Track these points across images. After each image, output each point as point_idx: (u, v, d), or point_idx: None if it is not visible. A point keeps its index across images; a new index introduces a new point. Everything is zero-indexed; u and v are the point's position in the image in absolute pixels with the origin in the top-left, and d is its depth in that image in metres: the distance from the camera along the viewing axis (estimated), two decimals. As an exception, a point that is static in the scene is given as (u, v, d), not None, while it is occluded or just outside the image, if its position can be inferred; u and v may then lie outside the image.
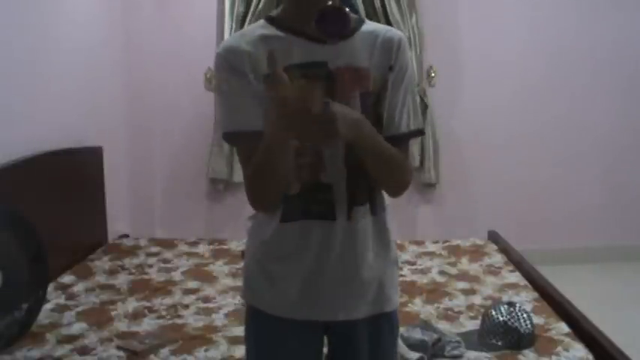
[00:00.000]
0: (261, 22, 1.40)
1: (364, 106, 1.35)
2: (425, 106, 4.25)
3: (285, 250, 1.40)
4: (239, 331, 2.50)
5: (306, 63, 1.32)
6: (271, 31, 1.36)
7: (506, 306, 2.39)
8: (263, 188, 1.33)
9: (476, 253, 3.47)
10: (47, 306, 2.67)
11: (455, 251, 3.50)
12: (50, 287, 2.79)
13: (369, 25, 1.42)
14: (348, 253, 1.39)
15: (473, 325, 2.51)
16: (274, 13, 1.41)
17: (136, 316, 2.66)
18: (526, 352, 2.27)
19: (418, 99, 1.49)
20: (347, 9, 1.31)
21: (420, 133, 1.47)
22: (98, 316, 2.63)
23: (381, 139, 1.34)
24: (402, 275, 3.13)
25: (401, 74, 1.40)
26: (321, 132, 1.15)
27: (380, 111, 1.39)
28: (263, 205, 1.38)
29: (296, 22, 1.35)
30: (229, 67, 1.34)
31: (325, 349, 1.54)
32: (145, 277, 3.14)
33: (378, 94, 1.38)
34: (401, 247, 3.55)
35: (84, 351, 2.33)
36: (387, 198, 1.47)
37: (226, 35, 4.10)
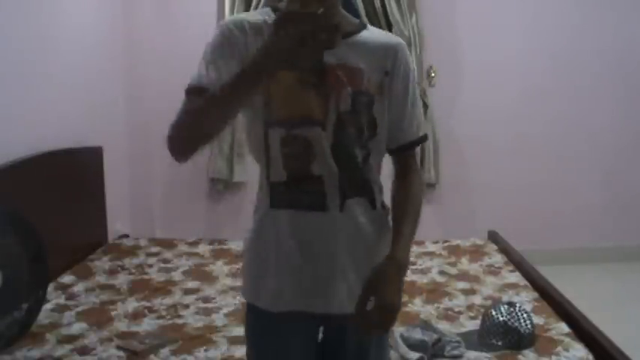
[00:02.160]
0: (267, 9, 1.41)
1: (356, 104, 1.37)
2: (425, 106, 4.24)
3: (275, 238, 1.41)
4: (239, 331, 2.51)
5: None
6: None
7: (506, 306, 2.39)
8: (200, 127, 1.28)
9: (476, 253, 3.47)
10: (47, 306, 2.67)
11: (455, 251, 3.50)
12: (50, 287, 2.79)
13: (370, 31, 1.45)
14: (341, 245, 1.40)
15: (473, 325, 2.51)
16: (280, 4, 1.42)
17: (136, 316, 2.66)
18: (526, 352, 2.27)
19: (421, 103, 1.51)
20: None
21: (425, 139, 1.52)
22: (98, 316, 2.63)
23: (412, 228, 1.40)
24: (402, 275, 3.14)
25: (403, 81, 1.42)
26: (325, 41, 1.10)
27: (375, 114, 1.40)
28: (184, 145, 1.32)
29: None
30: (228, 33, 1.34)
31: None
32: (145, 277, 3.14)
33: (373, 97, 1.39)
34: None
35: (84, 351, 2.33)
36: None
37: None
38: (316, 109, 1.34)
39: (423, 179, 1.53)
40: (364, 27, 1.44)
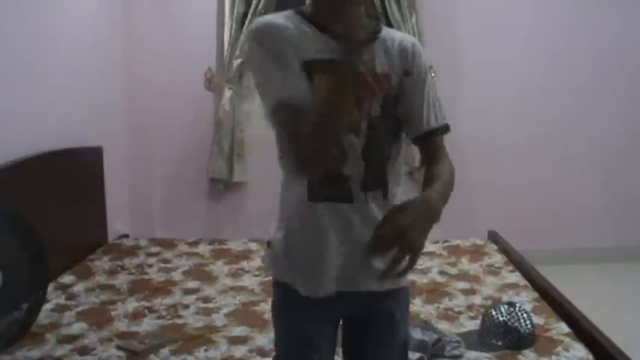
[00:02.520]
0: (289, 12, 1.44)
1: (385, 108, 1.44)
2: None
3: (316, 227, 1.46)
4: (239, 331, 2.51)
5: (343, 61, 1.31)
6: (306, 25, 1.41)
7: (506, 306, 2.39)
8: (317, 160, 1.35)
9: (476, 253, 3.47)
10: (47, 306, 2.67)
11: (455, 251, 3.50)
12: (50, 287, 2.79)
13: (387, 32, 1.51)
14: (365, 232, 1.44)
15: (473, 325, 2.51)
16: (304, 7, 1.46)
17: (136, 316, 2.66)
18: (526, 352, 2.27)
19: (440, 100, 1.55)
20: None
21: (448, 127, 1.56)
22: (98, 316, 2.63)
23: (443, 187, 1.44)
24: (402, 275, 3.14)
25: (420, 79, 1.50)
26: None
27: (396, 113, 1.47)
28: (312, 171, 1.40)
29: (326, 20, 1.40)
30: (272, 39, 1.37)
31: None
32: (145, 277, 3.14)
33: (397, 97, 1.47)
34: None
35: (84, 351, 2.33)
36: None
37: (226, 35, 4.10)
38: (352, 115, 1.39)
39: (452, 166, 1.54)
40: (381, 28, 1.50)
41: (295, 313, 1.53)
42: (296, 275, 1.50)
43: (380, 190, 1.49)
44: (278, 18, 1.42)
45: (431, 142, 1.54)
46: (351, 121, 1.38)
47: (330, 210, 1.45)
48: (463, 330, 2.47)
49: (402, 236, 1.30)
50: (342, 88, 1.31)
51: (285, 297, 1.55)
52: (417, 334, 2.30)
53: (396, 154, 1.53)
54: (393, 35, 1.51)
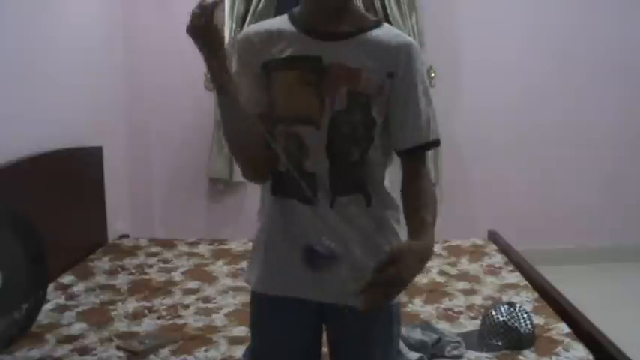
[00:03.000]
0: (285, 16, 1.48)
1: (352, 104, 1.38)
2: (425, 106, 4.24)
3: (275, 224, 1.46)
4: (239, 331, 2.51)
5: (302, 56, 1.39)
6: (287, 26, 1.44)
7: (506, 306, 2.39)
8: (235, 154, 1.45)
9: (476, 253, 3.47)
10: (47, 306, 2.67)
11: (455, 251, 3.50)
12: (50, 287, 2.79)
13: (382, 29, 1.44)
14: (335, 239, 1.40)
15: (473, 325, 2.51)
16: (295, 9, 1.48)
17: (136, 316, 2.66)
18: (526, 352, 2.27)
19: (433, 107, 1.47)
20: (333, 253, 1.36)
21: (437, 143, 1.48)
22: (98, 316, 2.63)
23: (431, 228, 1.35)
24: (402, 275, 3.13)
25: (408, 83, 1.41)
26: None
27: (373, 114, 1.40)
28: (245, 173, 1.46)
29: (308, 20, 1.43)
30: (242, 51, 1.46)
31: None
32: (145, 277, 3.14)
33: (371, 97, 1.39)
34: (401, 247, 3.54)
35: (84, 351, 2.33)
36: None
37: (226, 35, 4.09)
38: (312, 108, 1.38)
39: (433, 186, 1.49)
40: (377, 25, 1.44)
41: (262, 314, 1.53)
42: (253, 271, 1.51)
43: (360, 196, 1.43)
44: (263, 25, 1.48)
45: (417, 157, 1.46)
46: (311, 113, 1.37)
47: (293, 209, 1.42)
48: (463, 330, 2.47)
49: (399, 285, 1.25)
50: (301, 83, 1.35)
51: (252, 296, 1.55)
52: (417, 334, 2.30)
53: (377, 159, 1.44)
54: (388, 34, 1.43)
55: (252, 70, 1.42)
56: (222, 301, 2.83)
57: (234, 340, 2.42)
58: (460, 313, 2.67)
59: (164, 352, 2.33)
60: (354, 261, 1.42)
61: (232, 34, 4.08)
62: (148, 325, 2.58)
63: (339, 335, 1.52)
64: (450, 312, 2.68)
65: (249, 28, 1.50)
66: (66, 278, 3.03)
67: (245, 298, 2.85)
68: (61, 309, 2.70)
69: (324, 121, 1.38)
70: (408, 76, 1.41)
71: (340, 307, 1.43)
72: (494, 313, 2.37)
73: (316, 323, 1.53)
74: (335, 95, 1.37)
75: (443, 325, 2.50)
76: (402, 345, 2.24)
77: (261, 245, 1.50)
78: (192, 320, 2.62)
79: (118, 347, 2.35)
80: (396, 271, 1.20)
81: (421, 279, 3.08)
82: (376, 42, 1.41)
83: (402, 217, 1.47)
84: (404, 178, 1.47)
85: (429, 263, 3.26)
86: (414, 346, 2.24)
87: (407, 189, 1.45)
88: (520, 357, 2.24)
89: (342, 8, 1.41)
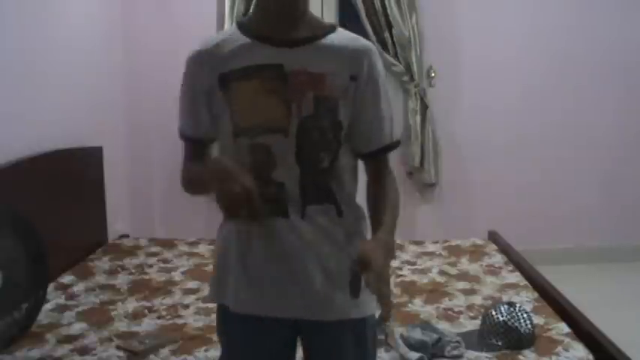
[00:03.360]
0: (232, 27, 1.45)
1: (319, 109, 1.36)
2: (425, 106, 4.25)
3: (237, 242, 1.43)
4: (239, 331, 2.50)
5: (264, 65, 1.36)
6: (239, 36, 1.40)
7: (506, 306, 2.39)
8: (196, 194, 1.53)
9: (476, 253, 3.47)
10: (47, 306, 2.67)
11: (455, 251, 3.50)
12: (50, 287, 2.79)
13: (339, 34, 1.42)
14: (302, 253, 1.39)
15: (473, 325, 2.51)
16: (244, 18, 1.46)
17: (136, 316, 2.66)
18: (526, 352, 2.27)
19: (391, 109, 1.47)
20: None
21: (397, 145, 1.49)
22: (98, 316, 2.63)
23: (393, 219, 1.38)
24: (401, 275, 3.14)
25: (370, 86, 1.40)
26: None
27: (340, 118, 1.38)
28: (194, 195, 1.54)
29: (262, 28, 1.39)
30: (190, 71, 1.44)
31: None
32: (145, 277, 3.14)
33: (338, 101, 1.37)
34: (401, 247, 3.55)
35: (84, 351, 2.33)
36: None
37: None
38: (278, 116, 1.35)
39: (397, 184, 1.48)
40: (333, 30, 1.42)
41: (228, 327, 1.52)
42: (222, 288, 1.49)
43: (330, 205, 1.41)
44: (212, 40, 1.43)
45: (380, 160, 1.46)
46: (277, 120, 1.35)
47: (266, 223, 1.38)
48: (463, 330, 2.47)
49: (380, 280, 1.21)
50: (264, 91, 1.33)
51: (218, 308, 1.55)
52: (417, 334, 2.30)
53: (346, 164, 1.43)
54: (345, 38, 1.42)
55: (202, 89, 1.41)
56: (222, 301, 2.83)
57: (234, 340, 2.41)
58: (460, 313, 2.67)
59: (164, 352, 2.33)
60: (329, 273, 1.40)
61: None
62: (148, 325, 2.58)
63: (313, 349, 1.50)
64: (450, 312, 2.68)
65: (198, 46, 1.43)
66: (66, 278, 3.04)
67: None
68: (61, 309, 2.70)
69: (292, 127, 1.35)
70: (371, 80, 1.40)
71: (313, 323, 1.42)
72: (494, 313, 2.37)
73: (290, 337, 1.50)
74: (301, 101, 1.35)
75: (443, 325, 2.50)
76: (402, 345, 2.25)
77: (230, 262, 1.46)
78: (192, 320, 2.62)
79: (118, 347, 2.35)
80: (369, 275, 1.20)
81: (421, 279, 3.09)
82: (335, 46, 1.39)
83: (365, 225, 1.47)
84: (369, 181, 1.47)
85: (429, 263, 3.30)
86: (414, 346, 2.24)
87: (371, 191, 1.46)
88: (520, 357, 2.24)
89: (295, 14, 1.38)
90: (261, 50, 1.37)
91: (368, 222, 1.45)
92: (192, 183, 1.48)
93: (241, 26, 1.42)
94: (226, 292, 1.47)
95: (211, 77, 1.38)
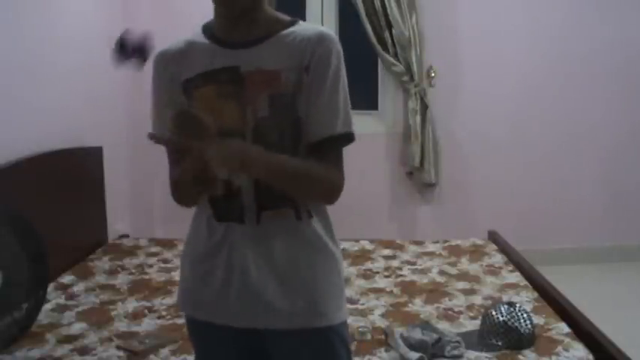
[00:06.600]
0: (197, 30, 1.46)
1: (275, 108, 1.32)
2: (425, 106, 4.25)
3: (199, 251, 1.43)
4: (239, 331, 2.51)
5: (221, 69, 1.35)
6: (201, 39, 1.41)
7: (506, 306, 2.39)
8: (184, 199, 1.47)
9: (476, 253, 3.47)
10: (47, 306, 2.67)
11: (455, 251, 3.50)
12: (50, 287, 2.79)
13: (298, 27, 1.37)
14: (259, 259, 1.36)
15: (473, 325, 2.51)
16: (209, 22, 1.46)
17: (135, 316, 2.66)
18: (526, 352, 2.27)
19: (347, 99, 1.37)
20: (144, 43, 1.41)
21: (349, 137, 1.36)
22: (98, 316, 2.63)
23: (276, 157, 1.30)
24: (401, 275, 3.14)
25: (319, 73, 1.32)
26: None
27: (299, 114, 1.34)
28: (186, 205, 1.48)
29: (220, 31, 1.40)
30: (156, 73, 1.46)
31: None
32: (145, 277, 3.14)
33: (294, 96, 1.32)
34: (401, 247, 3.56)
35: (84, 351, 2.33)
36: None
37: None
38: (235, 119, 1.32)
39: (337, 176, 1.36)
40: (292, 24, 1.37)
41: (193, 334, 1.52)
42: (179, 291, 1.49)
43: (288, 209, 1.35)
44: (176, 44, 1.45)
45: (326, 152, 1.34)
46: (233, 125, 1.32)
47: (219, 228, 1.37)
48: (463, 330, 2.47)
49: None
50: (220, 96, 1.32)
51: (186, 317, 1.53)
52: (417, 334, 2.30)
53: None
54: (303, 30, 1.35)
55: (166, 90, 1.42)
56: (222, 301, 2.83)
57: (234, 340, 2.41)
58: (460, 313, 2.67)
59: (164, 352, 2.33)
60: (283, 278, 1.37)
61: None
62: (148, 325, 2.58)
63: (275, 359, 1.45)
64: (450, 312, 2.68)
65: (162, 51, 1.45)
66: (66, 278, 3.04)
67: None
68: (61, 309, 2.70)
69: (248, 130, 1.32)
70: (319, 67, 1.32)
71: (275, 331, 1.39)
72: (494, 313, 2.37)
73: (257, 346, 1.44)
74: (256, 102, 1.31)
75: (443, 325, 2.50)
76: (402, 345, 2.25)
77: (188, 270, 1.46)
78: (192, 320, 2.62)
79: (118, 347, 2.35)
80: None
81: (421, 279, 3.09)
82: (291, 39, 1.34)
83: (335, 233, 1.43)
84: None
85: (429, 263, 3.30)
86: (414, 346, 2.24)
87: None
88: (520, 357, 2.24)
89: (250, 14, 1.35)
90: (219, 53, 1.36)
91: (334, 228, 1.42)
92: (179, 186, 1.46)
93: (205, 30, 1.42)
94: (189, 300, 1.47)
95: (174, 83, 1.40)
